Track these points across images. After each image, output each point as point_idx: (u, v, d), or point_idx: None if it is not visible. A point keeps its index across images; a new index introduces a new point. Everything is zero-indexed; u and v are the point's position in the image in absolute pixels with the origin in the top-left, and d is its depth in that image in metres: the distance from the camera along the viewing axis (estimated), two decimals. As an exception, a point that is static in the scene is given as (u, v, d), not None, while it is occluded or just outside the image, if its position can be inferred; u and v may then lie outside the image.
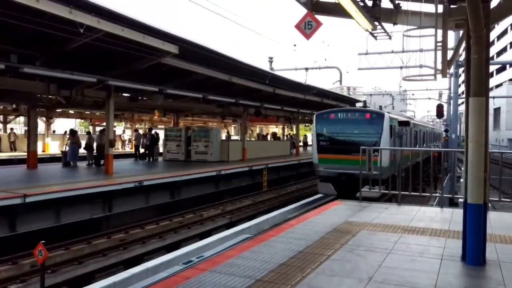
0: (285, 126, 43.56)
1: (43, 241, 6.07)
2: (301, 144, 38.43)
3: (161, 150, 23.74)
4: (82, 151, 19.36)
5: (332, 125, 15.63)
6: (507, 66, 61.22)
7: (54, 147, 28.83)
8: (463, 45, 6.23)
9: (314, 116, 16.37)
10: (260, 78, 19.34)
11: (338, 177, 13.27)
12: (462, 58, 20.78)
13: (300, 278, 4.64)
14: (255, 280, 4.58)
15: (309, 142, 45.04)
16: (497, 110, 59.57)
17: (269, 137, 38.64)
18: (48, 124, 28.50)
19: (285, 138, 38.95)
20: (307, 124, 45.84)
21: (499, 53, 66.51)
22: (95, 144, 18.73)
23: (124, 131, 42.79)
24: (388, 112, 16.53)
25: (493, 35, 62.97)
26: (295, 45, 35.18)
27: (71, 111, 29.19)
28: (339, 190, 13.29)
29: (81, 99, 15.25)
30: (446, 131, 25.69)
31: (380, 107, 19.37)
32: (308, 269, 4.95)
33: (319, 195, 14.85)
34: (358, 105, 29.36)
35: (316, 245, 6.00)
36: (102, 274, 9.05)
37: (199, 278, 4.64)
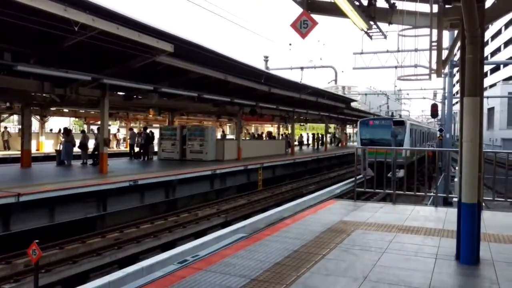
0: (281, 125, 43.61)
1: (37, 241, 6.03)
2: (296, 143, 38.46)
3: (156, 149, 23.69)
4: (76, 149, 19.27)
5: (371, 128, 22.72)
6: (501, 66, 61.62)
7: (48, 146, 28.68)
8: (458, 45, 6.26)
9: (358, 122, 24.22)
10: (255, 77, 19.35)
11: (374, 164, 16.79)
12: (456, 58, 20.89)
13: (295, 277, 4.64)
14: (250, 279, 4.58)
15: (305, 142, 45.16)
16: (491, 110, 59.93)
17: (264, 136, 38.67)
18: (42, 122, 28.34)
19: (280, 137, 38.98)
20: (302, 124, 45.93)
21: (493, 53, 66.92)
22: (93, 142, 18.62)
23: (118, 129, 42.65)
24: (407, 120, 23.65)
25: (487, 35, 63.33)
26: (290, 44, 35.22)
27: (66, 110, 29.05)
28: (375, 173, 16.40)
29: (75, 97, 15.18)
30: (440, 130, 25.83)
31: (400, 116, 27.81)
32: (303, 268, 4.95)
33: (314, 194, 14.94)
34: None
35: (311, 245, 6.00)
36: (96, 274, 9.02)
37: (194, 278, 4.63)
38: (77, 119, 41.32)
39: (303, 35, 6.47)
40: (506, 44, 63.82)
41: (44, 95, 16.10)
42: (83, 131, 23.22)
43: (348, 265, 5.10)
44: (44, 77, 13.29)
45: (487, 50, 64.52)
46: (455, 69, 24.25)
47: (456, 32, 7.61)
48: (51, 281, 8.48)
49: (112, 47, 11.50)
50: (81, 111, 29.82)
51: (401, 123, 21.07)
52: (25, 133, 16.57)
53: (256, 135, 39.53)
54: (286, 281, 4.52)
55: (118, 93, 17.16)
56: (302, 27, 6.43)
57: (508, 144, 52.27)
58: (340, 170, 32.24)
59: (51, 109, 26.71)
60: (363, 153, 11.90)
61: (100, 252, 9.96)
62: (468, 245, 5.24)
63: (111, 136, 21.30)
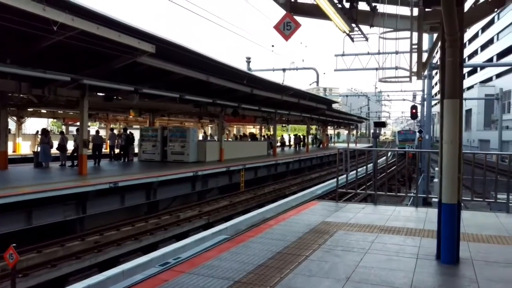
0: (263, 127, 43.64)
1: (14, 244, 5.88)
2: (278, 144, 38.53)
3: (136, 150, 23.42)
4: (55, 151, 18.90)
5: (400, 134, 43.78)
6: (478, 68, 62.96)
7: (25, 147, 28.08)
8: (437, 47, 6.35)
9: (396, 132, 51.50)
10: (237, 78, 19.30)
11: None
12: (435, 60, 21.25)
13: (278, 279, 4.63)
14: (233, 281, 4.55)
15: (287, 143, 45.27)
16: (468, 112, 61.22)
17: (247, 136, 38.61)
18: (19, 123, 27.74)
19: (263, 138, 39.00)
20: (284, 125, 46.06)
21: (470, 56, 68.32)
22: (73, 144, 18.27)
23: (98, 131, 41.94)
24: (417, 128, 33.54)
25: (464, 38, 64.58)
26: (273, 46, 35.34)
27: (43, 111, 28.46)
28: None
29: (54, 98, 14.89)
30: (420, 132, 26.23)
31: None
32: (286, 270, 4.95)
33: (296, 195, 15.01)
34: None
35: (294, 246, 6.01)
36: (76, 278, 8.87)
37: (177, 281, 4.57)
38: (55, 120, 40.54)
39: (287, 37, 6.49)
40: (483, 47, 65.26)
41: (21, 95, 15.74)
42: (62, 132, 22.78)
43: (331, 266, 5.11)
44: (21, 77, 12.98)
45: (465, 53, 65.70)
46: (434, 71, 24.70)
47: (435, 35, 7.74)
48: (28, 285, 8.28)
49: (92, 47, 11.32)
50: (59, 112, 29.28)
51: (413, 132, 37.81)
52: (1, 134, 16.14)
53: (238, 136, 39.48)
54: (270, 282, 4.51)
55: (98, 94, 16.90)
56: (286, 29, 6.45)
57: (485, 145, 53.46)
58: (322, 171, 32.45)
59: (29, 109, 26.16)
60: (345, 154, 11.98)
61: (79, 256, 9.78)
62: (448, 245, 5.31)
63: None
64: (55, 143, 18.71)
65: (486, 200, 9.79)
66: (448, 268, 5.14)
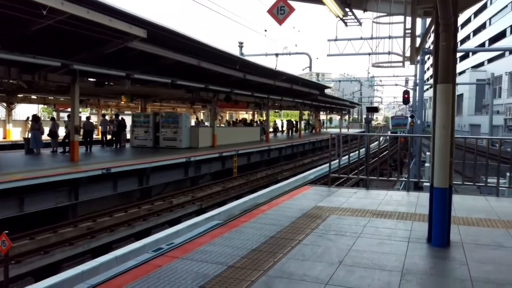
0: (255, 112, 43.54)
1: (6, 231, 5.86)
2: (271, 130, 38.54)
3: (128, 136, 23.30)
4: (45, 137, 18.73)
5: (393, 120, 42.75)
6: (470, 53, 63.12)
7: (16, 134, 27.81)
8: (431, 32, 6.33)
9: (390, 117, 56.38)
10: (230, 64, 19.18)
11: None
12: (427, 45, 21.24)
13: (272, 263, 4.67)
14: (227, 266, 4.57)
15: (279, 128, 45.28)
16: (460, 97, 61.55)
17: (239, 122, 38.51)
18: (9, 109, 27.40)
19: (255, 124, 38.96)
20: (277, 111, 45.99)
21: (462, 41, 68.40)
22: (64, 130, 18.11)
23: (89, 117, 41.57)
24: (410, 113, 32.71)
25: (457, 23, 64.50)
26: (266, 31, 35.09)
27: (34, 96, 28.12)
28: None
29: (44, 84, 14.70)
30: (412, 117, 26.34)
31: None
32: (279, 254, 4.98)
33: (289, 180, 15.08)
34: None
35: (287, 230, 6.05)
36: (69, 264, 8.88)
37: (170, 266, 4.59)
38: (46, 106, 40.06)
39: (280, 21, 6.43)
40: (475, 32, 65.33)
41: (11, 81, 15.52)
42: (53, 119, 22.55)
43: (323, 250, 5.16)
44: (11, 62, 12.76)
45: (458, 38, 65.89)
46: (427, 57, 24.70)
47: (428, 20, 7.70)
48: (22, 272, 8.28)
49: (83, 32, 11.15)
50: (50, 98, 28.94)
51: (405, 117, 36.70)
52: (-9, 120, 15.96)
53: (231, 122, 39.40)
54: (263, 267, 4.54)
55: (89, 79, 16.71)
56: (279, 13, 6.38)
57: (475, 130, 53.90)
58: (314, 156, 32.57)
59: (19, 95, 25.83)
60: (338, 140, 12.01)
61: (72, 242, 9.78)
62: (439, 228, 5.37)
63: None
64: (46, 129, 18.55)
65: (477, 184, 9.91)
66: (439, 251, 5.21)
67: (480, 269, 4.53)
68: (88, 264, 6.29)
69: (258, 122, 38.47)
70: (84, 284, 4.29)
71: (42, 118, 26.90)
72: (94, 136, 21.19)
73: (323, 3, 6.70)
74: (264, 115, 35.78)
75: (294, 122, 42.88)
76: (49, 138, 18.71)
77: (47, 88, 17.11)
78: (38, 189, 11.18)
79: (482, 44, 60.08)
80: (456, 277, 4.35)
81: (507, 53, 50.65)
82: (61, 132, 19.44)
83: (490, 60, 58.92)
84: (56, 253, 9.20)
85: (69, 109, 20.20)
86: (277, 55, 30.47)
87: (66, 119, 19.67)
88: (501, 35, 54.05)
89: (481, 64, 62.31)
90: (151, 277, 4.28)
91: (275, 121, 49.78)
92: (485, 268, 4.59)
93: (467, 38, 68.56)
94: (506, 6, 53.00)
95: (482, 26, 62.35)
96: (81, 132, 18.49)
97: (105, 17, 11.22)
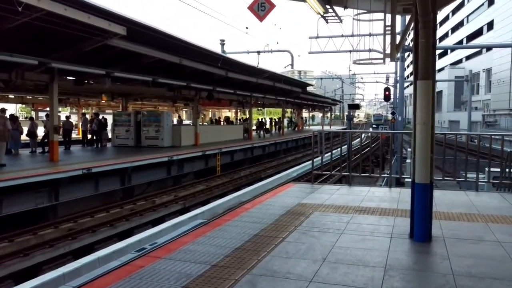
0: (238, 110, 43.46)
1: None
2: (254, 128, 38.53)
3: (109, 135, 23.00)
4: (24, 138, 18.34)
5: (375, 116, 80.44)
6: (449, 51, 64.15)
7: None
8: (410, 29, 6.40)
9: (372, 115, 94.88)
10: (212, 61, 19.08)
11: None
12: (407, 42, 21.50)
13: (256, 261, 4.65)
14: (211, 265, 4.54)
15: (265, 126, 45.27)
16: (439, 93, 62.53)
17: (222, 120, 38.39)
18: (-14, 109, 26.70)
19: (238, 122, 38.89)
20: (259, 108, 46.00)
21: (441, 38, 69.46)
22: (43, 130, 17.75)
23: (68, 116, 40.90)
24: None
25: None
26: (247, 28, 34.97)
27: (11, 96, 27.45)
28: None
29: (21, 82, 14.38)
30: (393, 113, 26.63)
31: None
32: (263, 252, 4.97)
33: (272, 178, 15.08)
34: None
35: (270, 228, 6.04)
36: (50, 266, 8.72)
37: (153, 266, 4.53)
38: (24, 106, 39.28)
39: (261, 18, 6.41)
40: (454, 29, 66.41)
41: (-14, 80, 15.13)
42: (31, 118, 22.08)
43: (307, 247, 5.16)
44: (-14, 61, 12.47)
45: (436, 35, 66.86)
46: (407, 54, 25.00)
47: (407, 17, 7.79)
48: (1, 275, 8.09)
49: (61, 29, 10.94)
50: (28, 97, 28.31)
51: (381, 115, 45.50)
52: (-33, 121, 15.51)
53: (214, 120, 39.23)
54: (247, 265, 4.52)
55: (68, 78, 16.41)
56: (260, 9, 6.36)
57: (455, 126, 54.90)
58: (297, 153, 32.69)
59: (-5, 95, 25.19)
60: (320, 136, 12.05)
61: (53, 244, 9.60)
62: (421, 224, 5.43)
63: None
64: (25, 130, 18.17)
65: (457, 179, 10.07)
66: (421, 246, 5.26)
67: (461, 263, 4.60)
68: (69, 265, 6.17)
69: (242, 120, 38.43)
70: (65, 286, 4.20)
71: (20, 118, 26.35)
72: (74, 135, 20.83)
73: (304, 0, 6.71)
74: (247, 113, 35.71)
75: (277, 120, 42.91)
76: (27, 138, 18.33)
77: (24, 87, 16.74)
78: (17, 190, 10.95)
79: (460, 42, 61.15)
80: (439, 272, 4.40)
81: (484, 50, 51.64)
82: (40, 132, 19.06)
83: (468, 57, 60.00)
84: (36, 255, 9.01)
85: (48, 109, 19.81)
86: (259, 52, 30.37)
87: (44, 118, 19.29)
88: (478, 32, 55.06)
89: (459, 61, 63.42)
90: (134, 278, 4.22)
91: (258, 119, 49.79)
92: (466, 262, 4.65)
93: (445, 35, 69.67)
94: (482, 4, 54.03)
95: (460, 24, 63.42)
96: (61, 132, 18.16)
97: (83, 14, 11.03)
